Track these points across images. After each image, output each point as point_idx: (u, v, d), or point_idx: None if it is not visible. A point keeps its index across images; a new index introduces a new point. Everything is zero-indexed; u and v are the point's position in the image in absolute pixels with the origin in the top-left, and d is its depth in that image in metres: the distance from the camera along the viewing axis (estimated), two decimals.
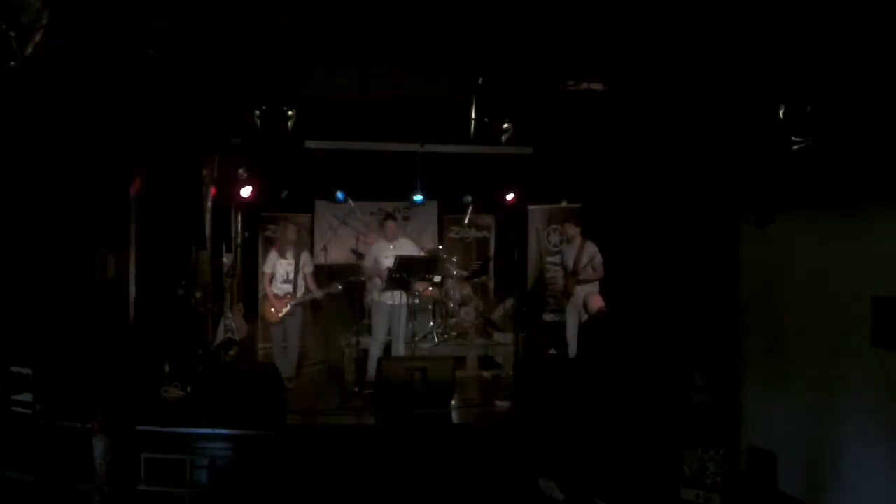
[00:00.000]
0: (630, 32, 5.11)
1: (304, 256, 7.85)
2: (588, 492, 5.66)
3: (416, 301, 8.29)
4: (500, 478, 5.84)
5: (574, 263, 8.13)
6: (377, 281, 7.76)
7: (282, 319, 7.65)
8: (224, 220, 9.02)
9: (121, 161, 6.70)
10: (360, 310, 8.60)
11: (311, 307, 9.45)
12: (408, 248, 7.87)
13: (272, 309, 7.66)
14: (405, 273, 7.62)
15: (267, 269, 7.82)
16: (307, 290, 7.74)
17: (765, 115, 4.93)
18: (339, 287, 7.96)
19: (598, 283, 8.04)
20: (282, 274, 7.70)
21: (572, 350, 8.06)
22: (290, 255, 7.74)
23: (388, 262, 7.59)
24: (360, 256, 8.77)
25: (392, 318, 7.67)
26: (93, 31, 4.43)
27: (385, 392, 6.56)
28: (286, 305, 7.62)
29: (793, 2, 4.40)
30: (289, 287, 7.65)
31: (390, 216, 8.21)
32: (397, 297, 7.61)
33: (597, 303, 6.99)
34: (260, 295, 8.10)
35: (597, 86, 5.32)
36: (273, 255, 7.88)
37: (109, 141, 6.15)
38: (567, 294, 8.30)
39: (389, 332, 7.75)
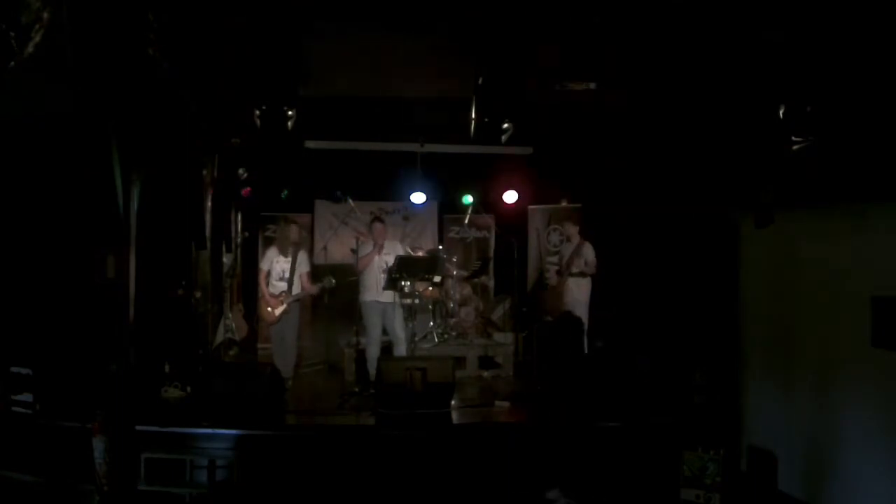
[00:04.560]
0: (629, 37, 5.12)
1: (301, 255, 7.84)
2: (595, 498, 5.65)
3: (416, 301, 8.28)
4: (499, 478, 5.84)
5: (568, 261, 8.22)
6: (365, 280, 7.76)
7: (279, 318, 7.65)
8: (224, 220, 9.01)
9: (121, 161, 6.69)
10: (359, 309, 8.61)
11: (312, 307, 9.47)
12: (396, 250, 7.87)
13: (268, 308, 7.66)
14: (405, 272, 7.63)
15: (264, 266, 7.80)
16: (302, 288, 7.75)
17: (765, 115, 4.93)
18: (333, 281, 7.95)
19: (589, 279, 8.11)
20: (277, 272, 7.69)
21: None
22: (289, 253, 7.74)
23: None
24: None
25: (385, 317, 7.65)
26: (93, 30, 4.42)
27: (385, 392, 6.57)
28: (282, 304, 7.62)
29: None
30: (284, 285, 7.65)
31: (378, 219, 8.19)
32: (388, 296, 7.61)
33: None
34: (259, 295, 8.10)
35: (592, 85, 5.33)
36: (271, 252, 7.86)
37: (109, 141, 6.14)
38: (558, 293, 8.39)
39: (386, 332, 7.75)
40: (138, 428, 5.54)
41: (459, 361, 8.25)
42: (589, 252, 8.22)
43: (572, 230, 8.55)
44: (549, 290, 9.07)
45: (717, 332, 6.83)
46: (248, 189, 9.17)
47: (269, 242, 9.19)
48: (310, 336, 9.69)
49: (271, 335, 8.03)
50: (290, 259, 7.70)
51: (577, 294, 8.13)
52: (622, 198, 8.26)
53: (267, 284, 7.70)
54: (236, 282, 9.40)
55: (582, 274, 8.19)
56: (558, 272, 8.51)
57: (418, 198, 9.27)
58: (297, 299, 7.75)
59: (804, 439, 5.91)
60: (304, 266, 7.81)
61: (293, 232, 7.90)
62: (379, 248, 7.71)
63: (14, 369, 6.11)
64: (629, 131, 7.28)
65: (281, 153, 8.81)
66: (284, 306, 7.62)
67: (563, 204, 10.10)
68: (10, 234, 6.54)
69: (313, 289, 7.85)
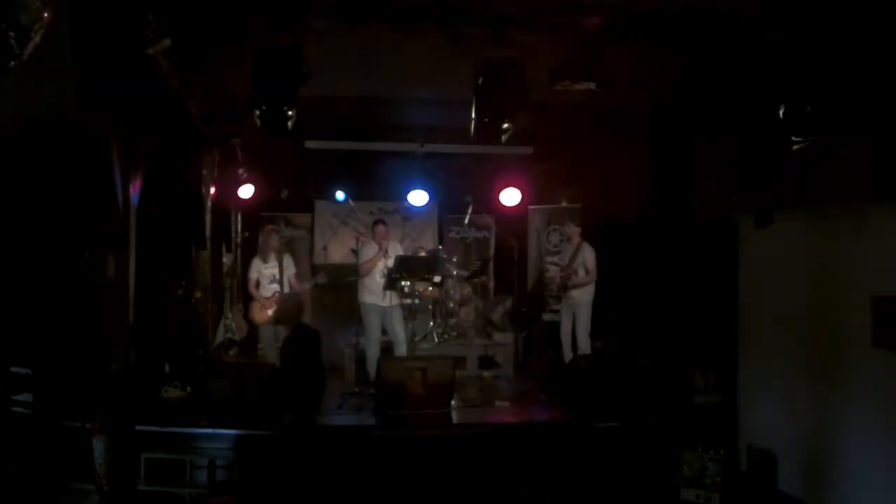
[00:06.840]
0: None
1: (287, 259, 8.02)
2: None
3: (416, 301, 8.29)
4: (499, 478, 5.84)
5: (567, 267, 8.18)
6: (366, 282, 7.76)
7: (271, 318, 7.71)
8: (224, 220, 9.03)
9: (121, 161, 6.68)
10: (359, 310, 8.61)
11: (311, 307, 9.46)
12: (396, 251, 7.90)
13: (261, 309, 7.73)
14: (405, 272, 7.64)
15: (252, 275, 7.94)
16: (291, 288, 7.90)
17: (765, 115, 4.93)
18: (324, 279, 8.06)
19: (588, 287, 8.02)
20: (267, 276, 7.86)
21: (566, 350, 8.08)
22: (272, 259, 7.90)
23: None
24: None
25: (385, 318, 7.68)
26: (93, 30, 4.43)
27: (385, 392, 6.57)
28: (275, 304, 7.69)
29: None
30: (276, 287, 7.82)
31: (381, 221, 8.21)
32: (388, 298, 7.63)
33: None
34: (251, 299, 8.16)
35: (592, 85, 5.33)
36: (256, 261, 8.00)
37: (109, 140, 6.13)
38: (563, 290, 8.32)
39: (386, 332, 7.76)
40: (138, 428, 5.56)
41: (459, 361, 8.25)
42: (589, 256, 8.02)
43: (572, 231, 8.37)
44: (551, 291, 9.08)
45: (717, 333, 6.83)
46: (249, 189, 9.17)
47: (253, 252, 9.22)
48: None
49: (262, 336, 8.10)
50: (276, 264, 7.88)
51: (579, 296, 8.06)
52: (622, 198, 8.25)
53: (258, 289, 7.82)
54: (236, 282, 9.40)
55: (582, 285, 8.03)
56: (562, 287, 8.35)
57: (418, 198, 9.25)
58: None
59: (804, 439, 5.91)
60: (290, 269, 8.00)
61: (274, 240, 8.09)
62: (384, 252, 7.70)
63: (14, 369, 6.10)
64: (629, 131, 7.28)
65: (281, 153, 8.82)
66: (277, 306, 7.69)
67: (563, 204, 10.10)
68: (9, 234, 6.52)
69: (304, 287, 8.02)
